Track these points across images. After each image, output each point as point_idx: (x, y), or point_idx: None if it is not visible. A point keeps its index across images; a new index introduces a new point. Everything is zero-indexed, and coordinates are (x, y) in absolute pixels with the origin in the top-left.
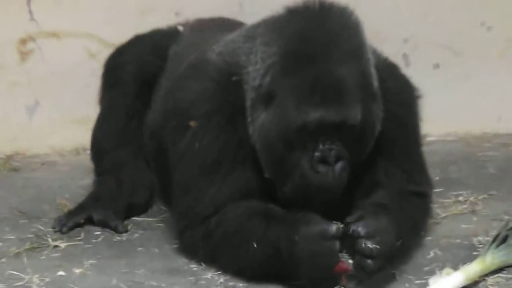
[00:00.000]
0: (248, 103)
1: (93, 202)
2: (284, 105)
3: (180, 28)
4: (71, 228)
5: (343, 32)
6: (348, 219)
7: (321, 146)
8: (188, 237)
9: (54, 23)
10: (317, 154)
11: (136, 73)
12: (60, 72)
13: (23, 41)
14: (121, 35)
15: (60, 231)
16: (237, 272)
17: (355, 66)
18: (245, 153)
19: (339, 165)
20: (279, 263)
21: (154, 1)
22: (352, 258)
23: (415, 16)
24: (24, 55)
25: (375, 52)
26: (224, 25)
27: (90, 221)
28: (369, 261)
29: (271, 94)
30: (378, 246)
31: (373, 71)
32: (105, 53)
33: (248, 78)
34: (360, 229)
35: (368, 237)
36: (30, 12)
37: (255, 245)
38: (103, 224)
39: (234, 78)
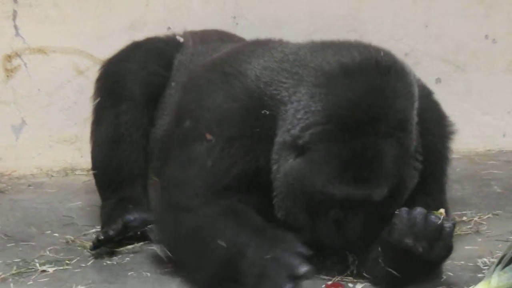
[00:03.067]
0: (279, 139)
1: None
2: (316, 167)
3: (180, 38)
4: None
5: (395, 102)
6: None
7: (340, 214)
8: (162, 218)
9: (41, 39)
10: (334, 222)
11: (145, 84)
12: (47, 89)
13: (8, 58)
14: (111, 51)
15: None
16: (195, 268)
17: (398, 139)
18: (258, 182)
19: (350, 235)
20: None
21: (146, 16)
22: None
23: (416, 29)
24: (9, 72)
25: (419, 82)
26: (224, 37)
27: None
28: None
29: (306, 149)
30: None
31: (415, 137)
32: (94, 69)
33: (285, 117)
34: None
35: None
36: (16, 27)
37: (224, 244)
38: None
39: (264, 111)
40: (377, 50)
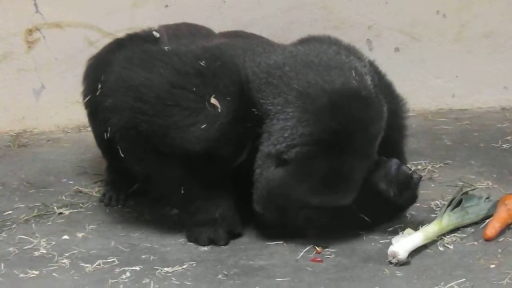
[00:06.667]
0: (264, 149)
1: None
2: (299, 179)
3: (156, 34)
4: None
5: (370, 129)
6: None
7: (311, 213)
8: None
9: (57, 15)
10: (305, 219)
11: None
12: (63, 58)
13: (30, 31)
14: (117, 25)
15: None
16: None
17: (369, 155)
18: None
19: (319, 226)
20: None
21: None
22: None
23: (378, 6)
24: (30, 44)
25: (373, 66)
26: (193, 30)
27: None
28: None
29: (289, 162)
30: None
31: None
32: (103, 41)
33: (271, 131)
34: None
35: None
36: (36, 5)
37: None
38: None
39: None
40: (350, 69)
